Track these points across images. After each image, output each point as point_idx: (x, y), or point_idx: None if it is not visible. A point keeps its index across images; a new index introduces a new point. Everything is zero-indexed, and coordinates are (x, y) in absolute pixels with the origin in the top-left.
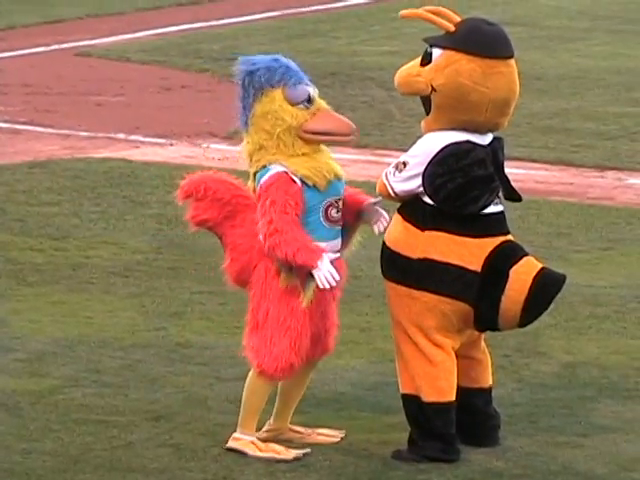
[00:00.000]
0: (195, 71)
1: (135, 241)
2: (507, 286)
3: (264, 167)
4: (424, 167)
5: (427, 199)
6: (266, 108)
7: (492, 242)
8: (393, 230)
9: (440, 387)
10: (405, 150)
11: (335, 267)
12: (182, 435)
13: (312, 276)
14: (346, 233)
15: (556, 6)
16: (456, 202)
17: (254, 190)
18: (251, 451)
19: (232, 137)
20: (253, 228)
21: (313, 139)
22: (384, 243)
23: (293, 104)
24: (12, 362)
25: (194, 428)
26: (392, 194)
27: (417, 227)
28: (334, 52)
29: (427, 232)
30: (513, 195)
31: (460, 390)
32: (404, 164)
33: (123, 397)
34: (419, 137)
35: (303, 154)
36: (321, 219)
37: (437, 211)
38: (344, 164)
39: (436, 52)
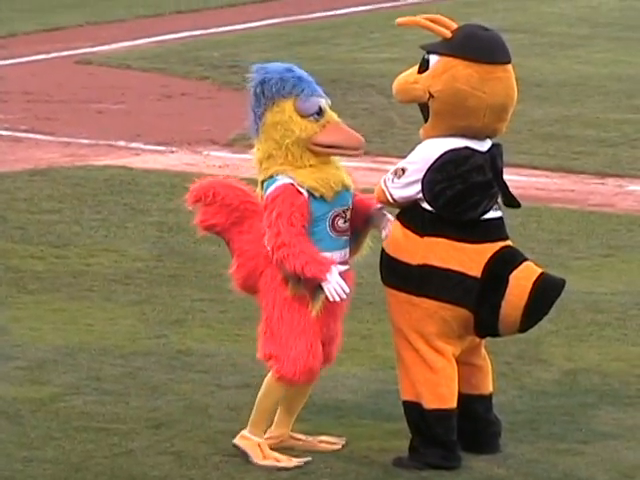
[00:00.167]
0: (195, 78)
1: (136, 249)
2: (507, 291)
3: (271, 177)
4: (423, 173)
5: (426, 205)
6: (276, 118)
7: (492, 248)
8: (392, 237)
9: (441, 394)
10: (406, 157)
11: (343, 279)
12: (183, 443)
13: (321, 288)
14: (356, 238)
15: (557, 13)
16: (455, 208)
17: (262, 197)
18: (254, 456)
19: (232, 144)
20: (260, 234)
21: (322, 152)
22: (383, 250)
23: (303, 116)
24: (13, 370)
25: (195, 436)
26: (391, 200)
27: (416, 233)
28: (335, 59)
29: (426, 238)
30: (512, 202)
31: (461, 397)
32: (403, 170)
33: (124, 405)
34: (418, 144)
35: (311, 165)
36: (327, 229)
37: (436, 217)
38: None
39: (433, 59)
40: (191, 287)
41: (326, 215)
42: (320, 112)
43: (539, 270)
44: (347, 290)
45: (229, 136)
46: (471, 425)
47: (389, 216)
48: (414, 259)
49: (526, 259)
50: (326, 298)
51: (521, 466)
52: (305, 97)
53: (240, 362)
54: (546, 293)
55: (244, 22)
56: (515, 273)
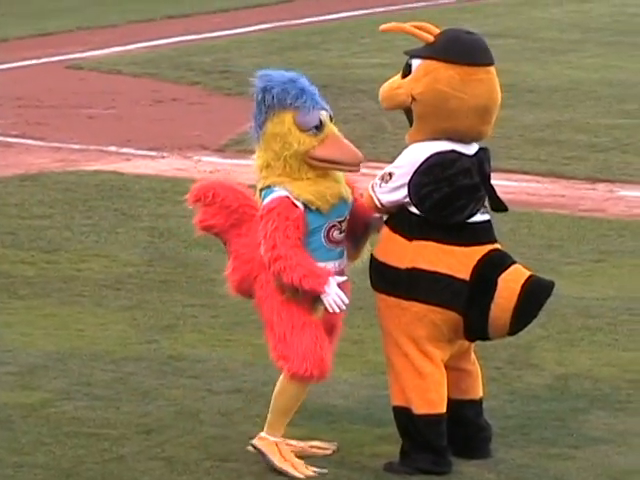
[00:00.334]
0: (186, 84)
1: (126, 254)
2: (496, 294)
3: (269, 187)
4: (409, 177)
5: (413, 209)
6: (276, 129)
7: (480, 250)
8: (381, 242)
9: (430, 399)
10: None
11: (341, 289)
12: (174, 448)
13: (320, 299)
14: (356, 243)
15: (548, 18)
16: (442, 211)
17: (260, 205)
18: (272, 456)
19: (224, 150)
20: (258, 238)
21: (319, 166)
22: (372, 255)
23: (302, 130)
24: (3, 375)
25: (186, 441)
26: (379, 205)
27: (404, 237)
28: (326, 64)
29: (415, 242)
30: (499, 205)
31: (451, 402)
32: (390, 175)
33: (115, 410)
34: (405, 148)
35: (308, 178)
36: (322, 240)
37: (424, 221)
38: None
39: (415, 63)
40: (182, 292)
41: (321, 227)
42: (320, 126)
43: (528, 273)
44: (346, 301)
45: (220, 141)
46: (462, 430)
47: None
48: (403, 263)
49: (515, 262)
50: (325, 309)
51: (512, 471)
52: (305, 110)
53: (231, 367)
54: (535, 295)
55: (235, 27)
56: (504, 276)
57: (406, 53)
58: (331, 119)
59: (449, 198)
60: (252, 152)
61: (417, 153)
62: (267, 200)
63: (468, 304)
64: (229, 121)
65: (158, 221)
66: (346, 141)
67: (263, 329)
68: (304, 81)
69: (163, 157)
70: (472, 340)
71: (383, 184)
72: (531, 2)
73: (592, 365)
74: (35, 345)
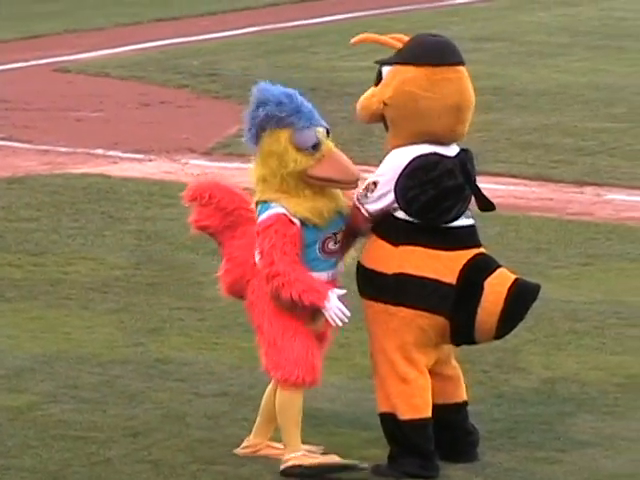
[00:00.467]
0: (174, 87)
1: (113, 257)
2: (482, 298)
3: (266, 202)
4: (394, 182)
5: (399, 215)
6: (272, 147)
7: (465, 255)
8: (367, 248)
9: (415, 404)
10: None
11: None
12: (160, 451)
13: (320, 312)
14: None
15: (535, 22)
16: (429, 214)
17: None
18: (305, 461)
19: (211, 153)
20: (252, 241)
21: (316, 184)
22: (359, 262)
23: (299, 149)
24: None
25: (172, 444)
26: (367, 216)
27: (391, 243)
28: (313, 67)
29: (401, 247)
30: (487, 205)
31: (436, 407)
32: (374, 184)
33: (101, 413)
34: (386, 155)
35: (305, 195)
36: (317, 252)
37: (410, 226)
38: None
39: (385, 70)
40: (169, 295)
41: (317, 240)
42: (317, 145)
43: (513, 276)
44: (348, 314)
45: (208, 144)
46: (449, 434)
47: None
48: (389, 269)
49: (500, 265)
50: (326, 321)
51: (499, 475)
52: (301, 130)
53: (218, 370)
54: (521, 298)
55: (223, 30)
56: (490, 279)
57: (377, 62)
58: (328, 134)
59: (436, 200)
60: (240, 156)
61: (399, 158)
62: (264, 217)
63: (455, 308)
64: (217, 124)
65: (145, 224)
66: (343, 158)
67: (254, 334)
68: (300, 98)
69: (150, 160)
70: (458, 344)
71: (369, 194)
72: (519, 6)
73: (579, 369)
74: (22, 348)
